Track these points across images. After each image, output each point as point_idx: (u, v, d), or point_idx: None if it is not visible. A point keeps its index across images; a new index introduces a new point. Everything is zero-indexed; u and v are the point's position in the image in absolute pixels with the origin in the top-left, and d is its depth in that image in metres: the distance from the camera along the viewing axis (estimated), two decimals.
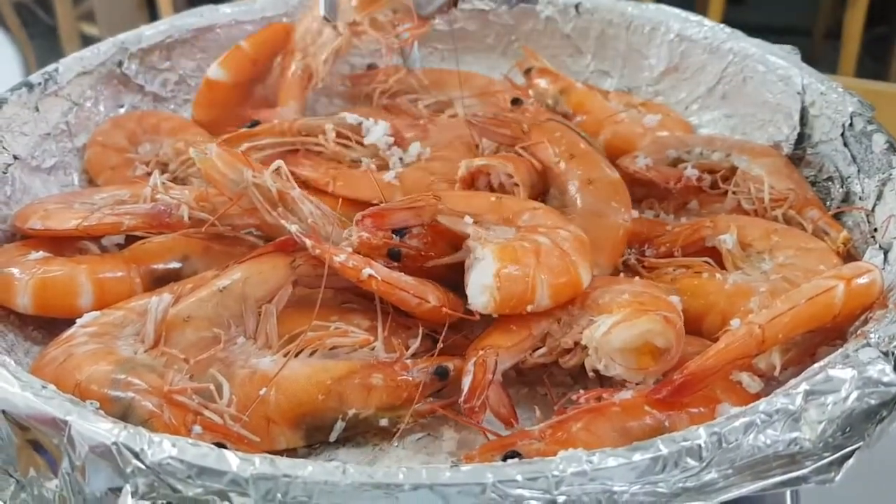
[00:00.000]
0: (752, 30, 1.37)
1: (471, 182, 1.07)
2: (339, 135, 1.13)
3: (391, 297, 0.93)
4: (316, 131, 1.14)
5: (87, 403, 0.75)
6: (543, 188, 1.10)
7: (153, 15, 3.15)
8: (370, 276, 0.91)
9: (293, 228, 0.94)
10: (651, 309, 0.90)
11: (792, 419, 0.71)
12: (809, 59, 1.28)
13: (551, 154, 1.09)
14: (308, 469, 0.66)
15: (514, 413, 0.88)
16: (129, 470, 0.68)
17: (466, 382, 0.87)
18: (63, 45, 3.26)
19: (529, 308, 0.91)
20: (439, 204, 0.95)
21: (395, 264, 0.95)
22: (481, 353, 0.89)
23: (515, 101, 1.31)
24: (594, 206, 1.06)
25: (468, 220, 0.95)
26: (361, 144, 1.13)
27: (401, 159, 1.12)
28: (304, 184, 1.09)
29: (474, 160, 1.07)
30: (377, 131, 1.13)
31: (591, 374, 0.90)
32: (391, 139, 1.13)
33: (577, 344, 0.92)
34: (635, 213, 1.11)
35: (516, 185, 1.05)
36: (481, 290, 0.90)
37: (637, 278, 1.00)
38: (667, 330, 0.88)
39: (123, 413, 0.81)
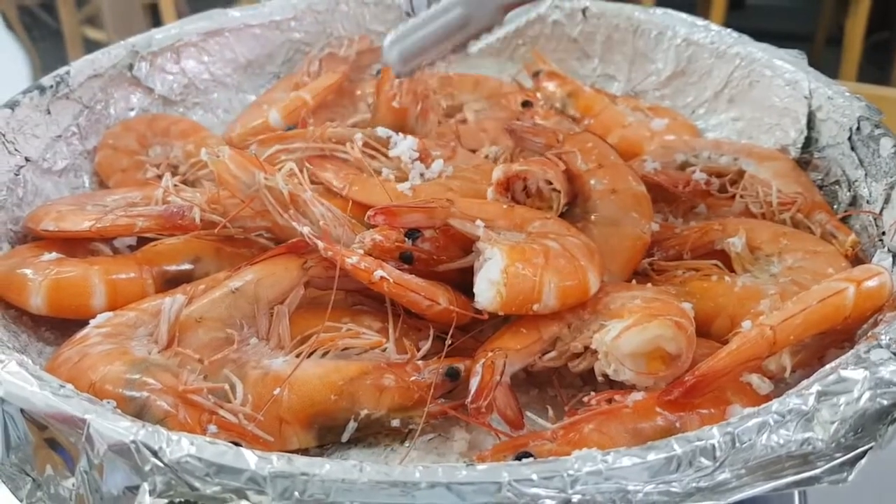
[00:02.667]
0: (753, 36, 1.37)
1: (507, 187, 1.06)
2: (366, 144, 1.14)
3: (402, 299, 0.93)
4: (345, 139, 1.15)
5: (104, 402, 0.75)
6: (573, 197, 1.09)
7: (156, 20, 3.16)
8: (382, 277, 0.91)
9: (305, 230, 0.95)
10: (662, 314, 0.89)
11: (805, 419, 0.72)
12: (811, 65, 1.28)
13: (580, 162, 1.09)
14: (325, 467, 0.67)
15: (521, 415, 0.88)
16: (147, 468, 0.68)
17: (474, 383, 0.87)
18: (67, 48, 3.27)
19: (535, 308, 0.91)
20: (451, 207, 0.96)
21: (407, 267, 0.95)
22: (490, 354, 0.89)
23: (526, 104, 1.32)
24: (613, 215, 1.05)
25: (479, 223, 0.96)
26: (386, 156, 1.14)
27: (422, 174, 1.12)
28: (326, 188, 1.09)
29: (512, 165, 1.06)
30: (404, 145, 1.13)
31: (600, 378, 0.90)
32: (416, 154, 1.13)
33: (586, 348, 0.92)
34: None
35: (556, 191, 1.05)
36: (488, 285, 0.90)
37: (649, 284, 1.00)
38: (678, 335, 0.87)
39: (139, 412, 0.81)
